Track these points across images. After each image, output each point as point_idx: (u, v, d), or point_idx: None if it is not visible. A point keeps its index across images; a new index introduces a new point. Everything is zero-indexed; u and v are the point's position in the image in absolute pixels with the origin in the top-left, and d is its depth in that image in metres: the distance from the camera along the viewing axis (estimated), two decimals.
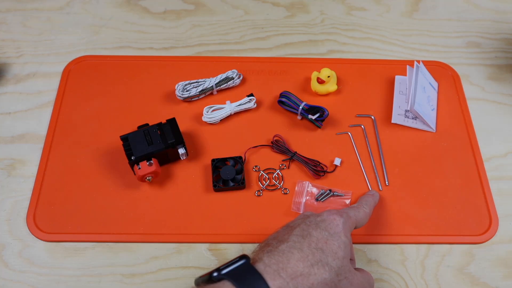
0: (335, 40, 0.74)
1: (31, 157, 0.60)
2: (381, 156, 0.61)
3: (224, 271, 0.36)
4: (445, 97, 0.67)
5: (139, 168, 0.55)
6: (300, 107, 0.62)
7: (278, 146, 0.61)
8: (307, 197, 0.57)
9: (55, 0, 0.77)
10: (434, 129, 0.63)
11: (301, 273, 0.37)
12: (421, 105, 0.62)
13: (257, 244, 0.43)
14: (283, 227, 0.44)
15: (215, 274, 0.36)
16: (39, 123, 0.63)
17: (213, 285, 0.36)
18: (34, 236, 0.54)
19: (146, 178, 0.55)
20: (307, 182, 0.58)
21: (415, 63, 0.64)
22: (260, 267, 0.37)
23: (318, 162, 0.59)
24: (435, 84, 0.67)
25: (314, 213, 0.44)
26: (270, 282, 0.35)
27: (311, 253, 0.38)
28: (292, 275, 0.36)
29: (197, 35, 0.74)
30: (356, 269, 0.43)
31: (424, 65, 0.67)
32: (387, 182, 0.59)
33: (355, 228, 0.46)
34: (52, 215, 0.56)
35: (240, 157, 0.59)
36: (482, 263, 0.54)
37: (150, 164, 0.55)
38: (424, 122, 0.62)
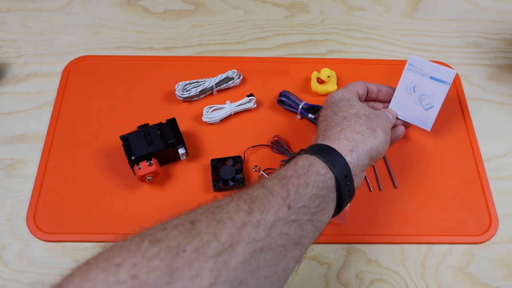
0: (335, 40, 0.74)
1: (31, 157, 0.60)
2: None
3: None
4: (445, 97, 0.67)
5: (139, 168, 0.55)
6: (300, 106, 0.62)
7: (278, 146, 0.61)
8: None
9: (55, 0, 0.77)
10: (430, 128, 0.59)
11: (341, 129, 0.45)
12: (405, 107, 0.57)
13: None
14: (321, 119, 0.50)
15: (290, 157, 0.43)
16: (39, 123, 0.63)
17: (290, 158, 0.42)
18: (34, 236, 0.54)
19: (146, 178, 0.55)
20: None
21: (408, 59, 0.56)
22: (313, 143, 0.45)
23: None
24: (448, 76, 0.56)
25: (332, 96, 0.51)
26: (324, 142, 0.43)
27: (336, 116, 0.47)
28: (337, 135, 0.44)
29: (197, 35, 0.74)
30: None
31: None
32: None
33: (373, 96, 0.56)
34: (52, 215, 0.56)
35: (240, 157, 0.59)
36: (482, 263, 0.54)
37: (150, 164, 0.55)
38: (414, 123, 0.58)
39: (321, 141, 0.44)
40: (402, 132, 0.54)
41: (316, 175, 0.39)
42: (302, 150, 0.43)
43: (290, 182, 0.37)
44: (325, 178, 0.39)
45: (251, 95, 0.64)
